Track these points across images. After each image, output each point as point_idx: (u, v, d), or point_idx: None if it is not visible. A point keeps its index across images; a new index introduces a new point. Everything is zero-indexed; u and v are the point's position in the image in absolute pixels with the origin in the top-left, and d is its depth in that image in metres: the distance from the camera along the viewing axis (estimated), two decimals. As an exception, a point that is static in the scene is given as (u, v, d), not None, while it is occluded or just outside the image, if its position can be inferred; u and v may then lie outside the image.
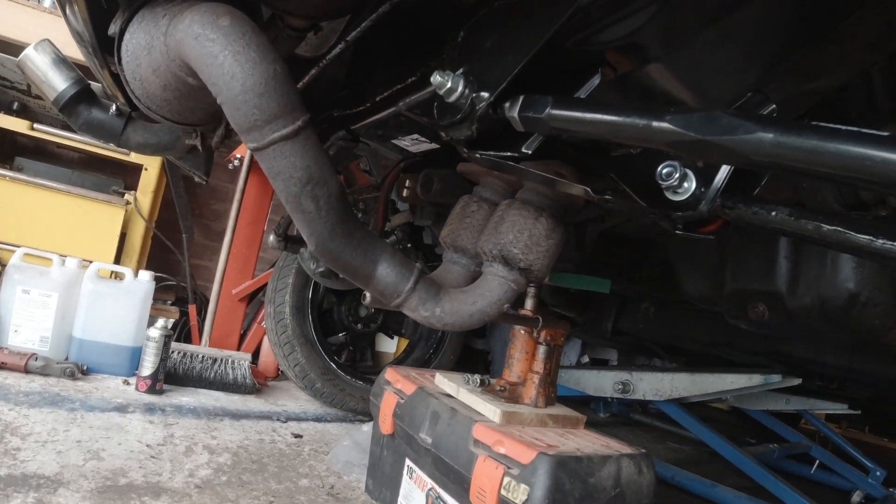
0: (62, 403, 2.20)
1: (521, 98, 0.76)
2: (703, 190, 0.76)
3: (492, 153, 0.84)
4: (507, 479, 1.29)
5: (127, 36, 1.06)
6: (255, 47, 0.83)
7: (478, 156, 0.85)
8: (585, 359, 4.22)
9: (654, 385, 2.53)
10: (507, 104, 0.78)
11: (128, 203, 3.16)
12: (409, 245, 2.21)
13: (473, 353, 3.91)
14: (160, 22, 0.98)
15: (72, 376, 2.46)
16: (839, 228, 0.66)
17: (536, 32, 0.73)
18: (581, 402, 3.82)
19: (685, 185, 0.77)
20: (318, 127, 1.50)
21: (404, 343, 3.39)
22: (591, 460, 1.32)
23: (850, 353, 1.86)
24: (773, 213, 0.72)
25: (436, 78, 0.80)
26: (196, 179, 1.98)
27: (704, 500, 2.45)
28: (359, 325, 3.22)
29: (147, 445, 1.99)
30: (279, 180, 0.88)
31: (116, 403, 2.32)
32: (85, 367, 2.56)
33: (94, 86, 1.60)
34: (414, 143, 1.38)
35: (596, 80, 0.79)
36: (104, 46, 1.20)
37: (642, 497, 1.40)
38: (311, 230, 0.92)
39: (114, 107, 1.58)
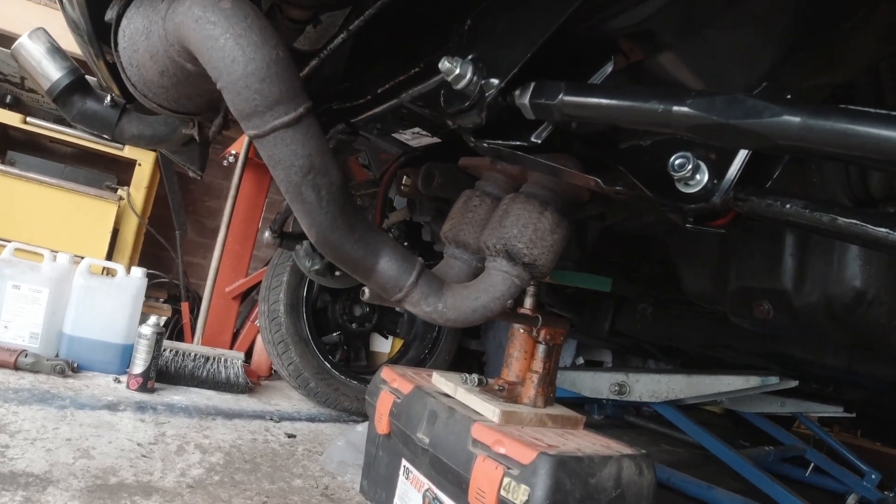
0: (52, 401, 2.16)
1: (533, 84, 0.74)
2: (715, 182, 0.74)
3: (500, 142, 0.82)
4: (507, 480, 1.27)
5: (124, 21, 1.04)
6: (257, 31, 0.80)
7: (485, 145, 0.83)
8: (580, 360, 4.21)
9: (651, 387, 2.52)
10: (517, 91, 0.76)
11: (121, 199, 3.12)
12: (406, 243, 2.19)
13: (468, 353, 3.89)
14: (159, 6, 0.95)
15: (62, 373, 2.43)
16: (856, 221, 0.65)
17: (549, 17, 0.71)
18: (575, 404, 3.80)
19: (698, 176, 0.75)
20: (318, 119, 1.48)
21: (399, 343, 3.37)
22: (591, 460, 1.30)
23: (850, 355, 1.85)
24: (788, 206, 0.70)
25: (444, 64, 0.78)
26: (191, 174, 1.95)
27: (700, 502, 2.44)
28: (353, 325, 3.19)
29: (138, 444, 1.96)
30: (280, 169, 0.85)
31: (107, 401, 2.29)
32: (75, 364, 2.53)
33: (89, 78, 1.57)
34: (415, 137, 1.36)
35: (609, 68, 0.78)
36: (100, 35, 1.17)
37: (642, 498, 1.38)
38: (311, 221, 0.89)
39: (108, 98, 1.56)
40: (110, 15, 1.08)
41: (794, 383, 2.40)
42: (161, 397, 2.50)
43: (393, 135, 1.38)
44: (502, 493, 1.27)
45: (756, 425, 3.47)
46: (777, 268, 1.31)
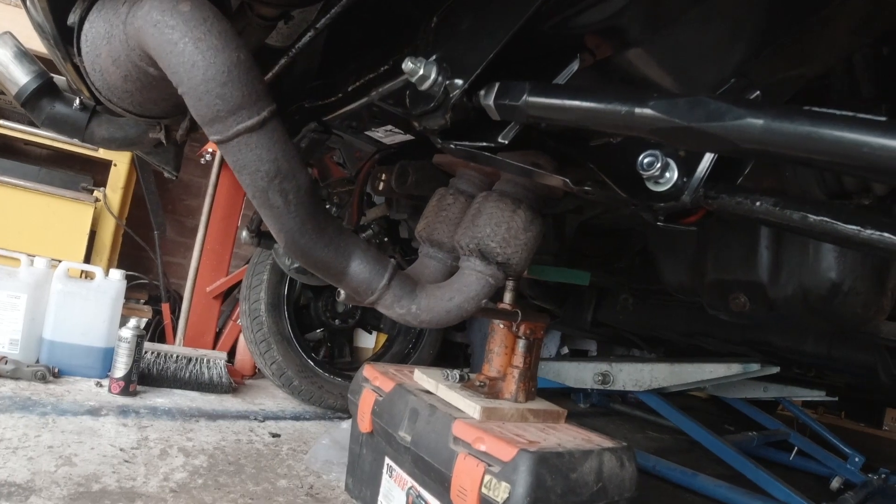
0: (33, 408, 2.14)
1: (497, 85, 0.73)
2: (685, 180, 0.74)
3: (466, 143, 0.81)
4: (488, 477, 1.27)
5: (86, 25, 1.01)
6: (216, 34, 0.79)
7: (452, 146, 0.82)
8: (565, 350, 4.23)
9: (634, 376, 2.53)
10: (482, 92, 0.75)
11: (97, 200, 3.08)
12: (385, 239, 2.18)
13: (453, 346, 3.89)
14: (120, 9, 0.93)
15: (43, 379, 2.40)
16: (826, 219, 0.64)
17: (512, 15, 0.70)
18: (561, 394, 3.82)
19: (667, 174, 0.74)
20: (288, 119, 1.46)
21: (383, 338, 3.36)
22: (572, 455, 1.30)
23: (830, 342, 1.86)
24: (758, 203, 0.70)
25: (407, 65, 0.77)
26: (166, 175, 1.93)
27: (686, 489, 2.46)
28: (336, 321, 3.18)
29: (121, 449, 1.94)
30: (245, 174, 0.84)
31: (89, 406, 2.27)
32: (56, 370, 2.50)
33: (58, 79, 1.55)
34: (388, 135, 1.34)
35: (575, 66, 0.76)
36: (66, 37, 1.15)
37: (624, 490, 1.38)
38: (280, 226, 0.88)
39: (77, 101, 1.53)
40: (72, 19, 1.06)
41: (775, 369, 2.43)
42: (144, 400, 2.48)
43: (366, 132, 1.37)
44: (484, 490, 1.27)
45: (740, 410, 3.50)
46: (753, 260, 1.32)
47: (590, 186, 0.78)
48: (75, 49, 1.06)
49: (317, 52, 1.38)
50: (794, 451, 3.17)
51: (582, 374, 2.65)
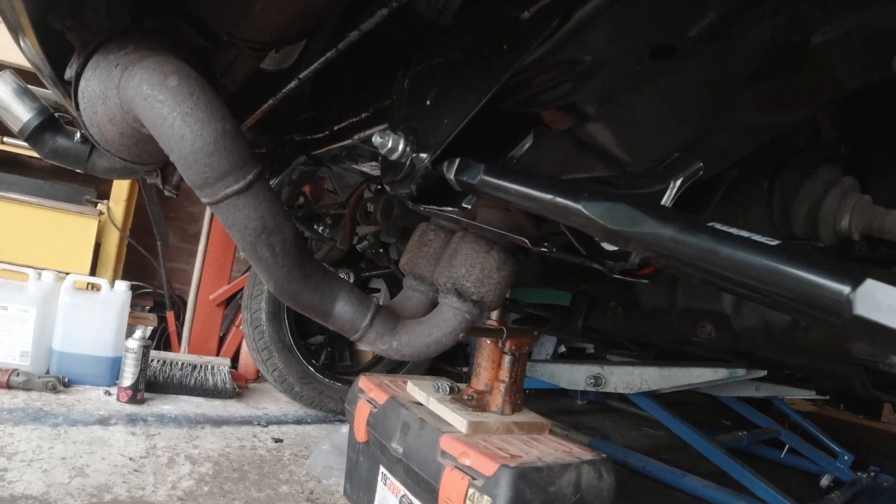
0: (46, 419, 2.23)
1: (458, 161, 0.80)
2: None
3: (434, 207, 0.88)
4: (471, 491, 1.35)
5: (82, 83, 1.07)
6: (202, 107, 0.85)
7: (422, 209, 0.89)
8: (562, 349, 4.30)
9: (625, 378, 2.60)
10: (444, 165, 0.82)
11: (101, 213, 3.16)
12: (381, 250, 2.25)
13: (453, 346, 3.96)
14: (113, 72, 1.00)
15: (54, 390, 2.49)
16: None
17: (472, 98, 0.76)
18: (561, 391, 3.90)
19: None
20: (280, 151, 1.53)
21: (383, 341, 3.42)
22: (551, 469, 1.38)
23: (811, 355, 1.90)
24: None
25: (377, 139, 0.84)
26: (167, 193, 2.00)
27: (674, 488, 2.53)
28: (337, 326, 3.24)
29: (130, 459, 2.03)
30: (235, 231, 0.91)
31: (99, 416, 2.36)
32: (66, 380, 2.59)
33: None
34: (374, 169, 1.41)
35: (528, 142, 0.83)
36: (63, 79, 1.21)
37: (603, 500, 1.46)
38: (269, 275, 0.95)
39: (78, 134, 1.60)
40: (69, 74, 1.12)
41: (761, 373, 2.49)
42: (151, 408, 2.57)
43: (353, 166, 1.44)
44: (468, 502, 1.35)
45: (733, 408, 3.56)
46: (718, 292, 1.37)
47: (545, 247, 0.85)
48: (73, 103, 1.13)
49: (307, 85, 1.44)
50: (785, 449, 3.23)
51: (575, 377, 2.72)
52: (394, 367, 3.16)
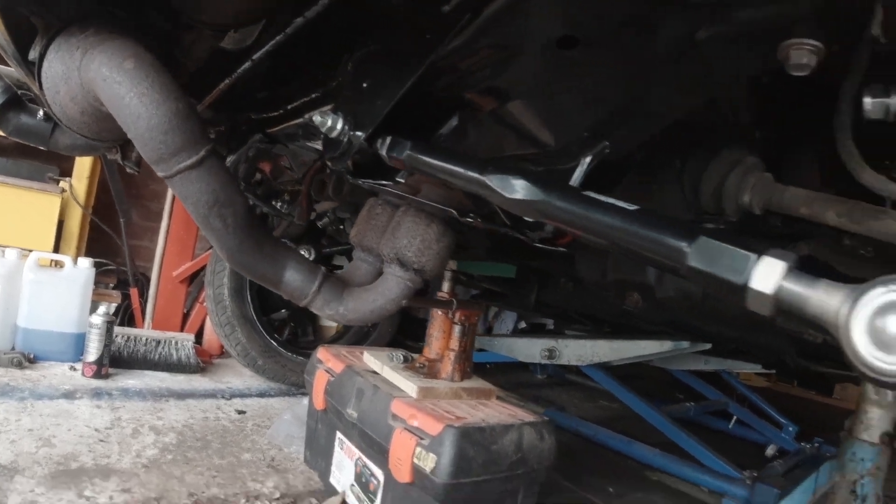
0: (12, 393, 2.27)
1: (389, 139, 0.88)
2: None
3: (370, 181, 0.96)
4: (419, 449, 1.45)
5: (45, 63, 1.13)
6: (158, 88, 0.92)
7: (360, 182, 0.97)
8: (522, 324, 4.43)
9: (578, 351, 2.71)
10: (378, 142, 0.90)
11: (63, 191, 3.18)
12: (340, 227, 2.32)
13: (415, 321, 4.05)
14: (75, 54, 1.06)
15: (19, 366, 2.53)
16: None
17: (397, 83, 0.84)
18: (521, 366, 4.02)
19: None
20: (237, 130, 1.59)
21: (346, 317, 3.49)
22: (493, 430, 1.49)
23: (742, 327, 2.01)
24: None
25: (317, 118, 0.92)
26: (128, 170, 2.04)
27: (624, 456, 2.66)
28: (300, 302, 3.31)
29: (95, 430, 2.09)
30: (189, 203, 0.98)
31: (64, 390, 2.41)
32: (32, 356, 2.64)
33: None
34: (327, 147, 1.48)
35: (454, 122, 0.92)
36: (27, 59, 1.26)
37: (543, 460, 1.57)
38: (221, 245, 1.03)
39: (41, 112, 1.64)
40: (33, 55, 1.17)
41: (706, 346, 2.62)
42: (116, 382, 2.62)
43: (308, 143, 1.51)
44: (415, 460, 1.45)
45: (684, 381, 3.72)
46: (642, 265, 1.48)
47: (471, 218, 0.94)
48: (37, 83, 1.18)
49: (263, 65, 1.51)
50: (732, 420, 3.40)
51: (531, 350, 2.82)
52: (355, 342, 3.25)
